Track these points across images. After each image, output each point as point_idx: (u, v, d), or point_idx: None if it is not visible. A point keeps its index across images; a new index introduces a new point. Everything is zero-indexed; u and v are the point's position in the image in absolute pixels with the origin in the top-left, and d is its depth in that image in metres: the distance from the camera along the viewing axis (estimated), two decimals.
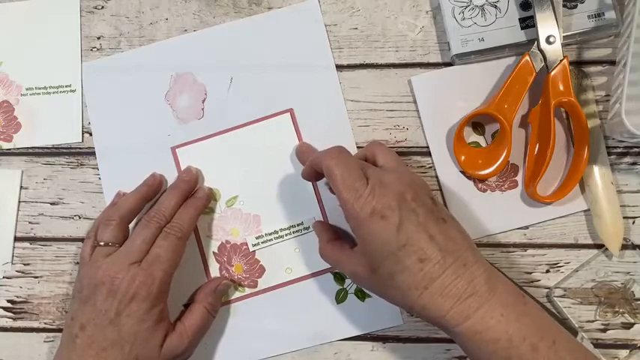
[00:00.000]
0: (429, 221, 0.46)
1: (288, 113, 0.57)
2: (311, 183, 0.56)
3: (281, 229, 0.56)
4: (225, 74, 0.58)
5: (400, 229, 0.45)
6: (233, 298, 0.56)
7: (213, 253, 0.57)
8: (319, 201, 0.56)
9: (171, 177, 0.57)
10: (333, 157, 0.48)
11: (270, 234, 0.56)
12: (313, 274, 0.56)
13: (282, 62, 0.58)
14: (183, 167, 0.57)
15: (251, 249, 0.56)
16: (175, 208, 0.54)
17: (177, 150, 0.58)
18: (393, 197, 0.46)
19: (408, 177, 0.48)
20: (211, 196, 0.57)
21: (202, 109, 0.58)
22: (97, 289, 0.49)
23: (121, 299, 0.49)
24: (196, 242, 0.57)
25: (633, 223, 0.55)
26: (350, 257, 0.49)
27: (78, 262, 0.57)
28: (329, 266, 0.55)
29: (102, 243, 0.52)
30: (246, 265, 0.56)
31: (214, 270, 0.56)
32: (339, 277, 0.56)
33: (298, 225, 0.56)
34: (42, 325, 0.57)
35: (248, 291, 0.56)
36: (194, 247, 0.56)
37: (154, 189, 0.56)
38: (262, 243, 0.56)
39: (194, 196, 0.55)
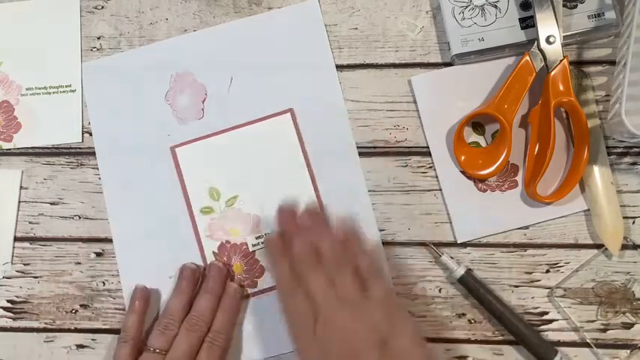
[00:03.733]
0: None
1: (289, 113, 0.57)
2: (311, 183, 0.56)
3: None
4: (226, 74, 0.58)
5: None
6: None
7: (213, 252, 0.56)
8: (319, 201, 0.56)
9: (171, 178, 0.57)
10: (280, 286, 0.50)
11: (270, 234, 0.56)
12: None
13: (282, 62, 0.58)
14: (183, 167, 0.57)
15: (251, 249, 0.56)
16: (213, 311, 0.53)
17: (176, 150, 0.58)
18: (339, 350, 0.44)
19: (370, 319, 0.45)
20: (242, 292, 0.55)
21: (202, 109, 0.58)
22: None
23: None
24: (196, 242, 0.56)
25: (633, 223, 0.55)
26: None
27: (78, 262, 0.57)
28: None
29: (155, 349, 0.52)
30: (245, 265, 0.56)
31: None
32: None
33: None
34: (42, 325, 0.57)
35: (248, 291, 0.56)
36: (194, 247, 0.56)
37: (194, 284, 0.55)
38: (262, 243, 0.56)
39: (227, 294, 0.54)
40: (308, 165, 0.57)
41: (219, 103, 0.58)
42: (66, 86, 0.59)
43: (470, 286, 0.54)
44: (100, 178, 0.58)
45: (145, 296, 0.55)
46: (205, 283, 0.55)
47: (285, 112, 0.58)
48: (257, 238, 0.56)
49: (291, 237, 0.51)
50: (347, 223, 0.53)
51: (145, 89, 0.59)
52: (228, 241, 0.56)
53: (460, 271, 0.54)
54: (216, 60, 0.59)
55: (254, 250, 0.56)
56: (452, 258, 0.55)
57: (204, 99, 0.58)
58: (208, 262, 0.56)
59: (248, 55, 0.59)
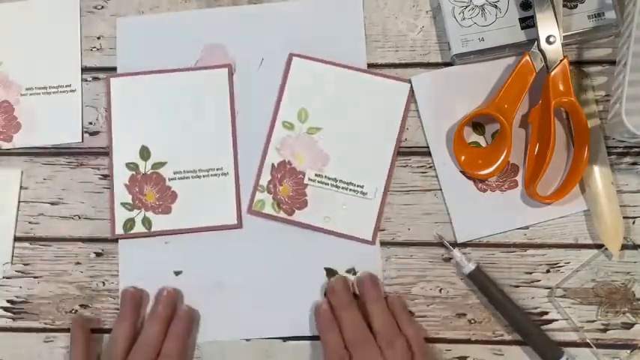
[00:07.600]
0: None
1: (408, 84, 0.57)
2: (391, 158, 0.57)
3: (341, 181, 0.56)
4: (258, 53, 0.59)
5: None
6: (266, 212, 0.56)
7: (272, 164, 0.57)
8: (389, 177, 0.56)
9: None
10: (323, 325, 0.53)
11: (330, 178, 0.56)
12: (346, 236, 0.56)
13: (315, 50, 0.58)
14: (291, 76, 0.57)
15: (306, 181, 0.57)
16: (162, 336, 0.53)
17: (293, 57, 0.58)
18: None
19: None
20: (193, 316, 0.55)
21: None
22: None
23: None
24: (262, 150, 0.57)
25: (633, 223, 0.55)
26: None
27: (78, 262, 0.57)
28: (361, 236, 0.56)
29: None
30: (293, 191, 0.57)
31: (266, 173, 0.57)
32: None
33: (358, 186, 0.56)
34: (42, 325, 0.57)
35: (282, 215, 0.56)
36: (255, 157, 0.57)
37: (137, 308, 0.55)
38: (319, 182, 0.57)
39: (177, 318, 0.54)
40: (398, 142, 0.57)
41: (244, 81, 0.58)
42: (66, 86, 0.59)
43: (480, 282, 0.54)
44: (99, 178, 0.58)
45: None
46: (154, 307, 0.55)
47: (404, 80, 0.57)
48: (316, 175, 0.56)
49: (341, 308, 0.53)
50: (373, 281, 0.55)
51: (176, 53, 0.59)
52: (290, 162, 0.57)
53: (471, 267, 0.54)
54: (251, 38, 0.59)
55: (307, 184, 0.56)
56: (463, 254, 0.55)
57: (232, 74, 0.59)
58: (264, 168, 0.57)
59: (284, 39, 0.59)
